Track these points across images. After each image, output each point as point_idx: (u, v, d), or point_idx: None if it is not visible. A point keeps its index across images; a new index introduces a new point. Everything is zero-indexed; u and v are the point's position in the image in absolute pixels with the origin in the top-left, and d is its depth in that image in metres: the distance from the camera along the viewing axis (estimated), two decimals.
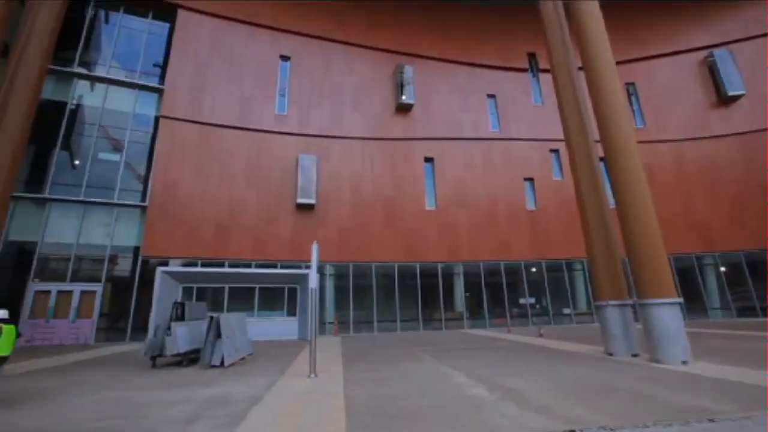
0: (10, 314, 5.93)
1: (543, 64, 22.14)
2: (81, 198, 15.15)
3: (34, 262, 14.20)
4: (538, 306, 19.41)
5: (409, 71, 20.34)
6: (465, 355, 9.87)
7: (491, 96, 21.93)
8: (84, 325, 14.20)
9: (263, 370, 8.16)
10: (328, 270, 17.40)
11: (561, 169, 21.03)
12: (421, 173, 19.68)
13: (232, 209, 16.66)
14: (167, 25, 18.22)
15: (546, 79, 21.80)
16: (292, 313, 15.93)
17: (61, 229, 14.87)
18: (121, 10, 17.73)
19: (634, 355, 8.74)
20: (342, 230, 17.81)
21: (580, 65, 11.59)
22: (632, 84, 22.60)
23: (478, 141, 20.84)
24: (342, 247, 17.55)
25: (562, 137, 12.69)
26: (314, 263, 7.89)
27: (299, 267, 16.39)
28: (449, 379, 6.80)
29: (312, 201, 17.31)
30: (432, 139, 20.26)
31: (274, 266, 16.52)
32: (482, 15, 22.51)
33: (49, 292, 14.17)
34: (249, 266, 16.20)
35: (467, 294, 18.94)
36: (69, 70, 16.09)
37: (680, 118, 22.05)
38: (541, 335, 14.00)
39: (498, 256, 19.25)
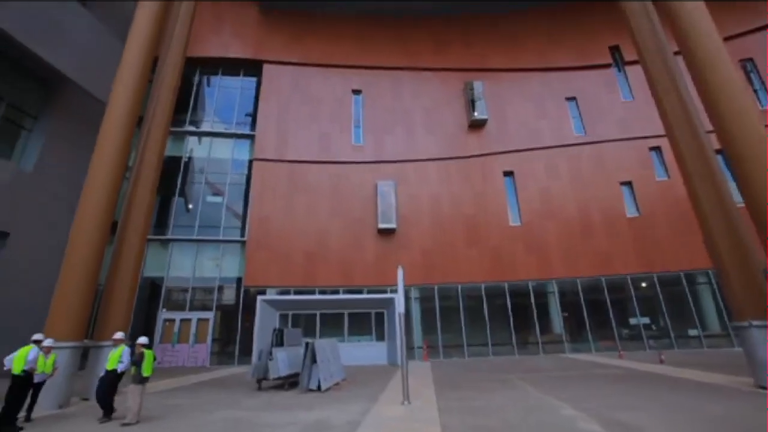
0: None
1: (629, 55, 20.14)
2: (195, 237, 17.46)
3: (162, 294, 16.59)
4: (654, 327, 16.84)
5: (478, 86, 20.05)
6: (569, 383, 8.91)
7: (571, 99, 20.49)
8: (200, 349, 16.01)
9: (358, 396, 8.29)
10: (413, 293, 17.33)
11: (665, 168, 18.51)
12: (501, 188, 18.90)
13: (319, 238, 17.68)
14: (255, 79, 20.64)
15: (634, 71, 19.71)
16: (380, 337, 16.10)
17: (181, 265, 17.22)
18: (219, 73, 20.63)
19: None
20: (425, 252, 17.72)
21: (676, 49, 10.33)
22: (749, 60, 19.32)
23: (562, 148, 19.43)
24: (426, 269, 17.42)
25: (662, 133, 11.27)
26: (400, 288, 7.92)
27: (384, 291, 16.63)
28: (554, 411, 6.17)
29: (392, 225, 17.62)
30: (510, 152, 19.43)
31: (360, 291, 17.00)
32: (553, 17, 21.45)
33: (173, 320, 16.36)
34: (337, 292, 16.92)
35: (565, 314, 17.28)
36: (182, 129, 19.02)
37: None
38: (662, 361, 12.07)
39: (597, 271, 17.34)
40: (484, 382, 9.72)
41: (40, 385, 6.69)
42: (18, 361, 6.20)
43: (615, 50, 20.94)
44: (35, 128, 14.19)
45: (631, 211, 18.20)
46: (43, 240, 13.49)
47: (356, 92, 20.55)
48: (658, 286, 16.98)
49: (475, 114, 19.60)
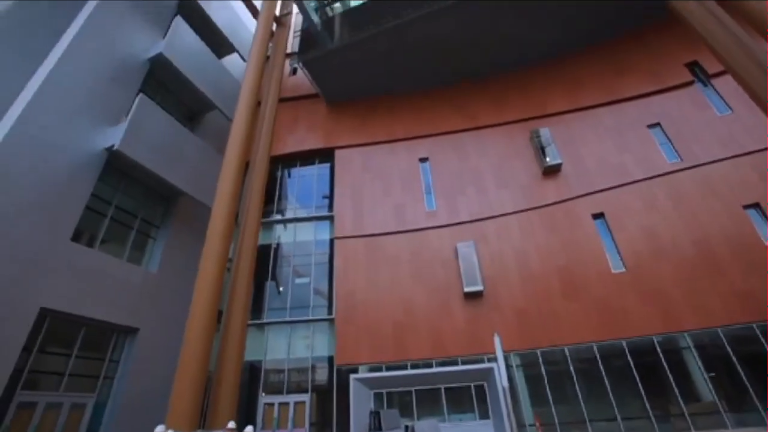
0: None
1: (712, 68, 18.36)
2: (287, 319, 18.29)
3: (261, 378, 17.16)
4: None
5: (545, 133, 19.55)
6: None
7: (653, 126, 18.83)
8: None
9: None
10: (513, 360, 15.58)
11: None
12: (593, 232, 17.18)
13: (405, 308, 17.27)
14: (328, 164, 22.67)
15: (724, 82, 17.72)
16: (483, 414, 14.41)
17: (277, 347, 17.90)
18: (298, 164, 23.16)
19: None
20: (519, 313, 16.23)
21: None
22: None
23: (656, 179, 17.44)
24: (522, 332, 15.80)
25: None
26: (500, 359, 7.20)
27: (481, 360, 15.23)
28: None
29: (479, 288, 16.66)
30: (595, 193, 17.93)
31: (455, 363, 15.77)
32: (614, 49, 20.82)
33: (273, 404, 16.60)
34: (430, 365, 15.92)
35: (711, 374, 13.99)
36: (270, 220, 21.12)
37: None
38: None
39: (741, 316, 14.11)
40: None
41: None
42: None
43: (694, 66, 19.32)
44: (158, 235, 16.89)
45: None
46: (166, 332, 15.22)
47: (423, 160, 21.31)
48: None
49: (548, 160, 18.85)
